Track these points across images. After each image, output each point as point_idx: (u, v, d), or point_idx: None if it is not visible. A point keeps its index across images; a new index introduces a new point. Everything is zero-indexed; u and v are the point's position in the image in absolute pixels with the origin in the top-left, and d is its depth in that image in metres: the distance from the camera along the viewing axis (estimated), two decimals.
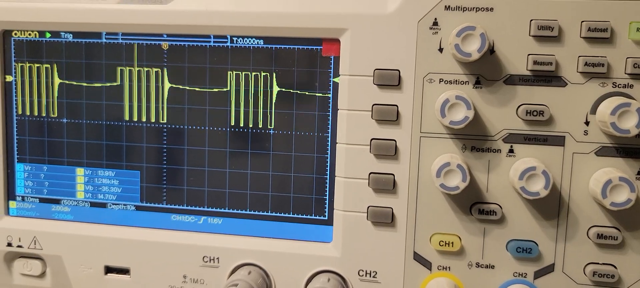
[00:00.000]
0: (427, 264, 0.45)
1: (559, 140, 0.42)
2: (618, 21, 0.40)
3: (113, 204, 0.51)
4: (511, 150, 0.43)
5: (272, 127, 0.47)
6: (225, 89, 0.48)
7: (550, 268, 0.43)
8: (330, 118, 0.46)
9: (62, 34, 0.50)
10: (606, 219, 0.42)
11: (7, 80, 0.51)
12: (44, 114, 0.51)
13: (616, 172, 0.40)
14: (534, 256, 0.43)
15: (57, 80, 0.50)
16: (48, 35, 0.50)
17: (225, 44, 0.47)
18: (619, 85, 0.41)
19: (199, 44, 0.47)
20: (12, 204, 0.53)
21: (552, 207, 0.43)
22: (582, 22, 0.41)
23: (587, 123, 0.42)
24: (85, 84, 0.50)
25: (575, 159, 0.42)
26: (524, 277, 0.44)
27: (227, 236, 0.49)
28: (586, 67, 0.41)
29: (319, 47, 0.46)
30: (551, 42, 0.41)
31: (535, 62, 0.41)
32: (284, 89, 0.47)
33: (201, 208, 0.49)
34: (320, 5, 0.44)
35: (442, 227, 0.44)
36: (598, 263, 0.43)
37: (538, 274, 0.44)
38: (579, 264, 0.43)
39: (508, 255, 0.44)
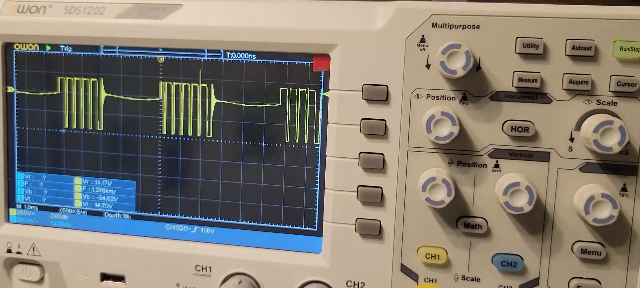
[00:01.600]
0: (413, 276, 0.46)
1: (544, 156, 0.43)
2: (602, 39, 0.41)
3: (109, 213, 0.52)
4: (497, 165, 0.43)
5: (263, 139, 0.48)
6: (219, 101, 0.49)
7: (535, 282, 0.44)
8: (320, 131, 0.47)
9: (62, 46, 0.51)
10: (590, 234, 0.43)
11: (9, 91, 0.52)
12: (44, 125, 0.52)
13: (599, 188, 0.41)
14: (519, 270, 0.44)
15: (66, 92, 0.51)
16: (48, 47, 0.51)
17: (218, 58, 0.48)
18: (603, 103, 0.42)
19: (193, 57, 0.49)
20: (12, 211, 0.54)
21: (537, 221, 0.43)
22: (567, 40, 0.41)
23: (571, 139, 0.42)
24: (84, 95, 0.51)
25: (560, 175, 0.43)
26: None
27: (220, 246, 0.50)
28: (571, 85, 0.42)
29: (309, 62, 0.47)
30: (536, 60, 0.42)
31: (520, 79, 0.42)
32: (274, 104, 0.48)
33: (195, 218, 0.50)
34: (311, 22, 0.45)
35: (429, 240, 0.45)
36: (582, 278, 0.43)
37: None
38: (564, 278, 0.43)
39: (493, 269, 0.44)
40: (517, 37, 0.42)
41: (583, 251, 0.43)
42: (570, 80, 0.41)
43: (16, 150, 0.53)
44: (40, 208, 0.54)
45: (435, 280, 0.45)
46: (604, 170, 0.42)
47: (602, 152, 0.40)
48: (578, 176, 0.42)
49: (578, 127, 0.42)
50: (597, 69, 0.41)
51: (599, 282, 0.43)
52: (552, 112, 0.42)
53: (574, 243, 0.43)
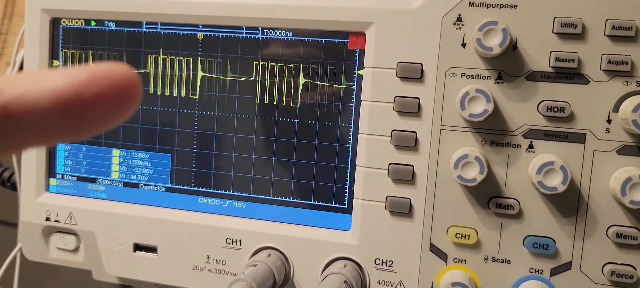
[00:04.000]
0: (443, 256, 0.45)
1: (579, 138, 0.42)
2: None
3: (145, 185, 0.53)
4: (531, 146, 0.43)
5: (297, 116, 0.49)
6: (252, 79, 0.50)
7: (567, 266, 0.43)
8: (353, 109, 0.48)
9: (106, 22, 0.53)
10: (626, 219, 0.42)
11: (55, 64, 0.55)
12: None
13: (637, 170, 0.40)
14: (551, 253, 0.43)
15: None
16: (93, 23, 0.53)
17: (256, 36, 0.49)
18: None
19: (232, 34, 0.50)
20: (52, 181, 0.56)
21: (571, 204, 0.43)
22: (607, 20, 0.41)
23: (609, 121, 0.42)
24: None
25: (596, 157, 0.42)
26: (541, 273, 0.44)
27: (250, 220, 0.50)
28: (609, 65, 0.41)
29: (345, 40, 0.47)
30: (574, 40, 0.42)
31: (557, 59, 0.42)
32: (309, 80, 0.48)
33: (227, 192, 0.51)
34: (347, 0, 0.46)
35: (459, 220, 0.45)
36: (617, 263, 0.42)
37: (555, 271, 0.43)
38: (597, 263, 0.43)
39: (524, 251, 0.44)
40: (554, 17, 0.42)
41: (618, 235, 0.42)
42: (609, 60, 0.41)
43: None
44: (79, 179, 0.55)
45: (465, 260, 0.45)
46: None
47: None
48: (615, 158, 0.42)
49: (616, 108, 0.41)
50: (637, 50, 0.41)
51: (634, 268, 0.42)
52: (589, 93, 0.42)
53: (608, 228, 0.42)
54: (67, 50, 0.54)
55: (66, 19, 0.54)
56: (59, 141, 0.21)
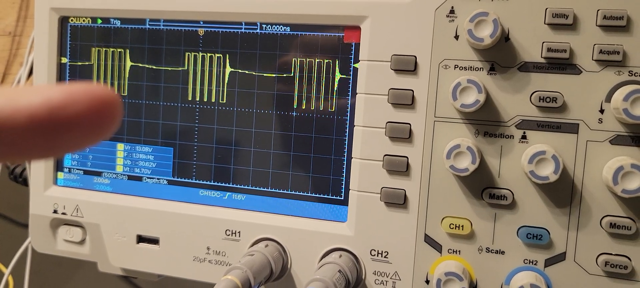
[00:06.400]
0: (437, 247, 0.46)
1: (572, 128, 0.42)
2: (634, 9, 0.40)
3: (148, 178, 0.55)
4: (524, 137, 0.43)
5: (294, 109, 0.50)
6: (253, 73, 0.51)
7: (561, 257, 0.43)
8: (349, 101, 0.48)
9: (112, 20, 0.54)
10: (620, 209, 0.42)
11: (62, 61, 0.56)
12: None
13: (629, 159, 0.40)
14: (545, 243, 0.43)
15: (110, 63, 0.55)
16: (99, 21, 0.55)
17: (255, 31, 0.50)
18: (636, 74, 0.41)
19: (232, 30, 0.51)
20: (60, 175, 0.57)
21: (564, 194, 0.43)
22: (598, 10, 0.41)
23: (601, 111, 0.42)
24: (130, 65, 0.54)
25: (589, 147, 0.42)
26: (535, 264, 0.44)
27: (249, 212, 0.51)
28: (601, 55, 0.41)
29: (341, 34, 0.48)
30: (566, 30, 0.42)
31: (549, 50, 0.42)
32: (306, 74, 0.49)
33: (227, 185, 0.52)
34: None
35: (453, 211, 0.45)
36: (611, 254, 0.42)
37: (549, 262, 0.43)
38: (591, 254, 0.43)
39: (519, 242, 0.44)
40: (546, 8, 0.42)
41: (612, 225, 0.42)
42: (601, 50, 0.41)
43: None
44: (85, 172, 0.57)
45: (459, 251, 0.45)
46: (635, 142, 0.41)
47: (632, 121, 0.39)
48: (608, 148, 0.42)
49: (608, 98, 0.41)
50: (629, 40, 0.41)
51: (629, 259, 0.42)
52: (582, 83, 0.42)
53: (602, 218, 0.42)
54: (74, 47, 0.56)
55: (74, 17, 0.56)
56: (32, 159, 0.20)
